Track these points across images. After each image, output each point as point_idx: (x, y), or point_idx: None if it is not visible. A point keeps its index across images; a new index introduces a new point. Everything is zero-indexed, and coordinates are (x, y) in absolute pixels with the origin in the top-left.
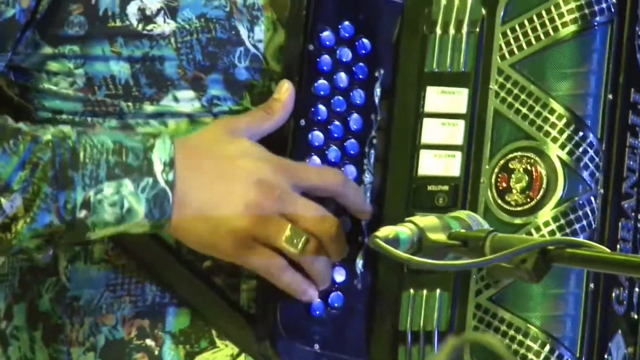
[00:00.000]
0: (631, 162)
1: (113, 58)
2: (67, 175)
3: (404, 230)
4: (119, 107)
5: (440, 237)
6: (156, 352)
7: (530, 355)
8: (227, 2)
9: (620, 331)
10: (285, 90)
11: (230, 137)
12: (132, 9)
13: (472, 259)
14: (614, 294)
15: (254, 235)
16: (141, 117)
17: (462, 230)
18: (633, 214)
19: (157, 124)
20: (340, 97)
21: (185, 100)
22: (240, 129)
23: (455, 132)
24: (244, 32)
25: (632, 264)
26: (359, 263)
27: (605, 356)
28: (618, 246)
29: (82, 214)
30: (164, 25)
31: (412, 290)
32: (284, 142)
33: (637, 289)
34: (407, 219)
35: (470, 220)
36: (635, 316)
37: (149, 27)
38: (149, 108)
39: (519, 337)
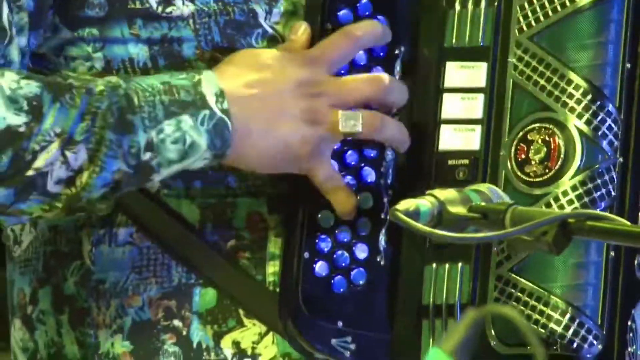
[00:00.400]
0: None
1: (132, 40)
2: (127, 119)
3: (424, 203)
4: None
5: (461, 210)
6: (184, 333)
7: (551, 324)
8: None
9: None
10: (303, 31)
11: (257, 51)
12: None
13: (493, 232)
14: (636, 262)
15: (318, 137)
16: None
17: (483, 203)
18: None
19: None
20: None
21: None
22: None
23: (475, 106)
24: (261, 14)
25: None
26: (382, 239)
27: (629, 323)
28: (639, 213)
29: (147, 156)
30: (182, 8)
31: (434, 265)
32: None
33: None
34: (427, 192)
35: (490, 193)
36: None
37: (168, 9)
38: None
39: (540, 306)
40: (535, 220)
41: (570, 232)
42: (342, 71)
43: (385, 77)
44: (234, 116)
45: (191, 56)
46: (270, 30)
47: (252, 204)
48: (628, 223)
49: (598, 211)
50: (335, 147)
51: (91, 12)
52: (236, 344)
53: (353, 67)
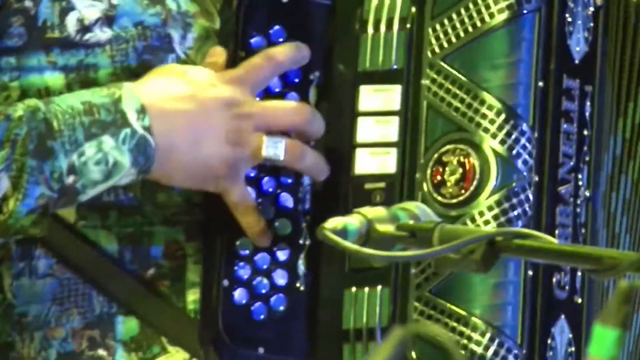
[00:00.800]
0: (567, 148)
1: (48, 68)
2: (46, 145)
3: (352, 221)
4: None
5: (389, 228)
6: None
7: (471, 345)
8: (163, 10)
9: (563, 316)
10: (219, 54)
11: (184, 66)
12: (71, 20)
13: (420, 250)
14: (554, 279)
15: (239, 158)
16: None
17: (410, 222)
18: (571, 199)
19: None
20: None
21: None
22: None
23: (390, 129)
24: (176, 39)
25: (580, 254)
26: (301, 265)
27: (549, 341)
28: (556, 232)
29: (70, 179)
30: (100, 34)
31: (354, 289)
32: None
33: (579, 273)
34: (355, 210)
35: (418, 211)
36: (579, 300)
37: (86, 36)
38: None
39: (460, 327)
40: (462, 238)
41: (498, 250)
42: (257, 98)
43: (308, 107)
44: (157, 132)
45: (106, 83)
46: (182, 56)
47: (169, 233)
48: (555, 241)
49: (526, 229)
50: (252, 174)
51: (10, 42)
52: None
53: (267, 93)
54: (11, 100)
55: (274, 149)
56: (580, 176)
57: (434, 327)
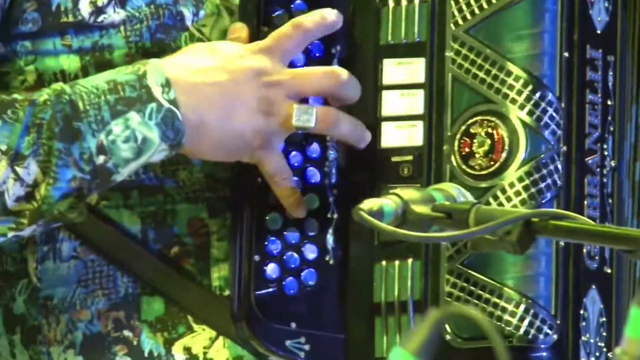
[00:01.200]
0: (592, 118)
1: (64, 51)
2: (73, 127)
3: (388, 202)
4: None
5: (425, 209)
6: (135, 342)
7: (506, 316)
8: None
9: (594, 286)
10: (241, 29)
11: (211, 42)
12: (84, 3)
13: (457, 231)
14: (585, 250)
15: (272, 128)
16: None
17: (446, 203)
18: (598, 169)
19: None
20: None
21: None
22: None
23: (416, 102)
24: (188, 17)
25: (615, 235)
26: (330, 239)
27: (581, 312)
28: (585, 202)
29: (100, 159)
30: (113, 15)
31: (384, 262)
32: None
33: None
34: (391, 191)
35: (454, 192)
36: (609, 270)
37: (100, 18)
38: None
39: (494, 298)
40: (499, 219)
41: (534, 232)
42: None
43: (341, 71)
44: (184, 105)
45: (121, 64)
46: (196, 33)
47: (192, 210)
48: (591, 222)
49: (561, 210)
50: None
51: (25, 27)
52: (187, 349)
53: (292, 67)
54: (27, 85)
55: (305, 116)
56: (605, 146)
57: (470, 309)
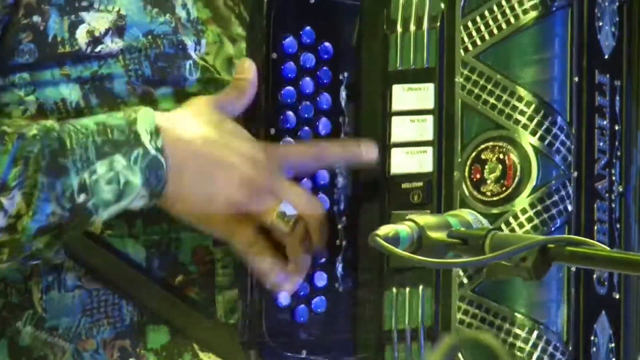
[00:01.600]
0: (601, 144)
1: (63, 81)
2: (59, 163)
3: (404, 228)
4: None
5: (440, 235)
6: None
7: (518, 343)
8: (172, 19)
9: (604, 312)
10: (247, 67)
11: (211, 109)
12: (80, 33)
13: (472, 257)
14: (594, 276)
15: (248, 209)
16: None
17: (462, 229)
18: (607, 194)
19: None
20: (308, 103)
21: None
22: (220, 103)
23: (425, 128)
24: (190, 46)
25: (631, 261)
26: (339, 266)
27: (592, 338)
28: (595, 227)
29: (81, 198)
30: (111, 45)
31: (394, 289)
32: None
33: None
34: (407, 217)
35: (470, 218)
36: (617, 296)
37: (97, 48)
38: None
39: (506, 325)
40: (514, 245)
41: (550, 258)
42: (289, 100)
43: (320, 206)
44: (170, 155)
45: (122, 92)
46: (200, 62)
47: (196, 238)
48: (607, 248)
49: (577, 237)
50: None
51: (21, 59)
52: None
53: (301, 94)
54: (29, 114)
55: (285, 220)
56: (613, 171)
57: (483, 333)
